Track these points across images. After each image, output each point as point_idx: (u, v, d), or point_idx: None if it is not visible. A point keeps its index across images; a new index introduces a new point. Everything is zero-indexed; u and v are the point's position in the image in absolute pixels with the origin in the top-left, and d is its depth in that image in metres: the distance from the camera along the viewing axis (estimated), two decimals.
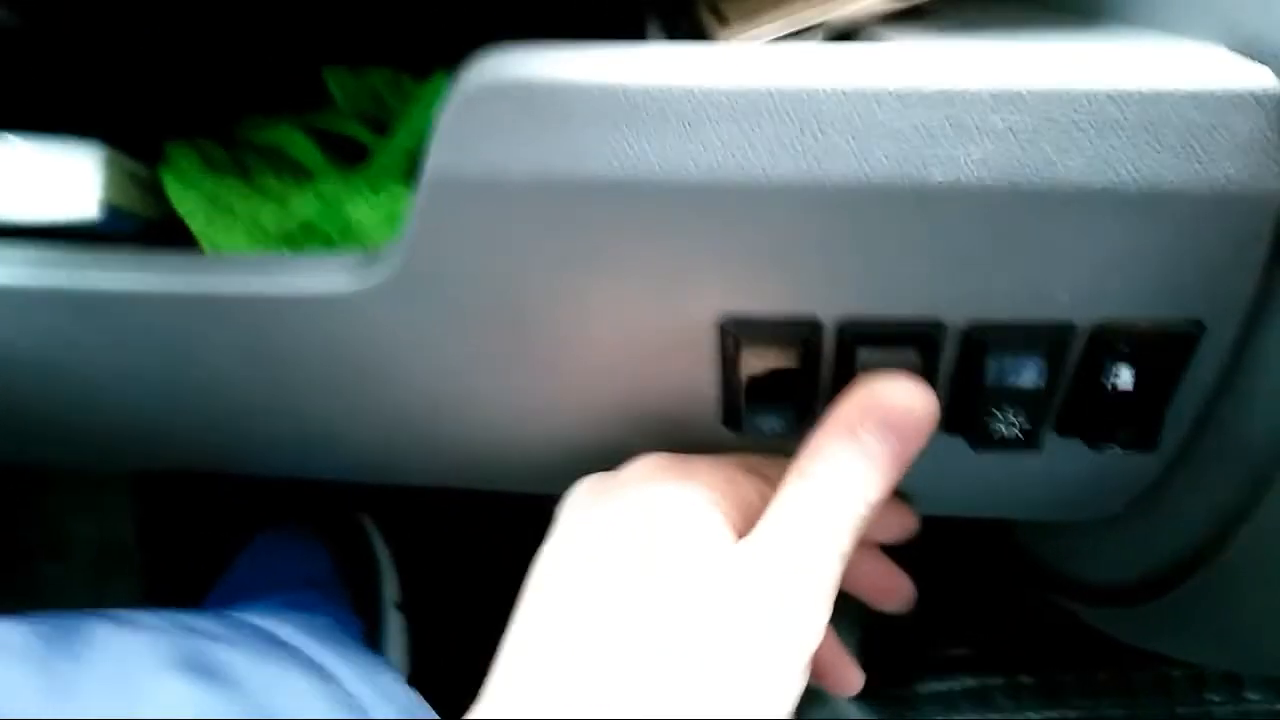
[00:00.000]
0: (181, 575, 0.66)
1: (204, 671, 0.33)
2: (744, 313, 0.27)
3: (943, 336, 0.26)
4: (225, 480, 0.66)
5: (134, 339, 0.31)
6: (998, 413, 0.27)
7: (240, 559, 0.62)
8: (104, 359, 0.32)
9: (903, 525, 0.32)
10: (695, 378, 0.29)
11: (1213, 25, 0.25)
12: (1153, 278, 0.25)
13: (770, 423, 0.29)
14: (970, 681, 0.64)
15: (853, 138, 0.23)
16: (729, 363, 0.28)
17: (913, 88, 0.23)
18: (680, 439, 0.30)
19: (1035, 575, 0.42)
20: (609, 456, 0.29)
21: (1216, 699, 0.62)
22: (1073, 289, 0.25)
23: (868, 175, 0.24)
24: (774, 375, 0.28)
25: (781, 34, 0.31)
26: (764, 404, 0.28)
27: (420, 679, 0.61)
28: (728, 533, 0.24)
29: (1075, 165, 0.23)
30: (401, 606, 0.64)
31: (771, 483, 0.26)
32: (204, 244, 0.36)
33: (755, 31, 0.31)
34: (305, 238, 0.37)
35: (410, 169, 0.40)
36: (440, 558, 0.70)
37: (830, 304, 0.26)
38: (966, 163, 0.23)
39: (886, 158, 0.23)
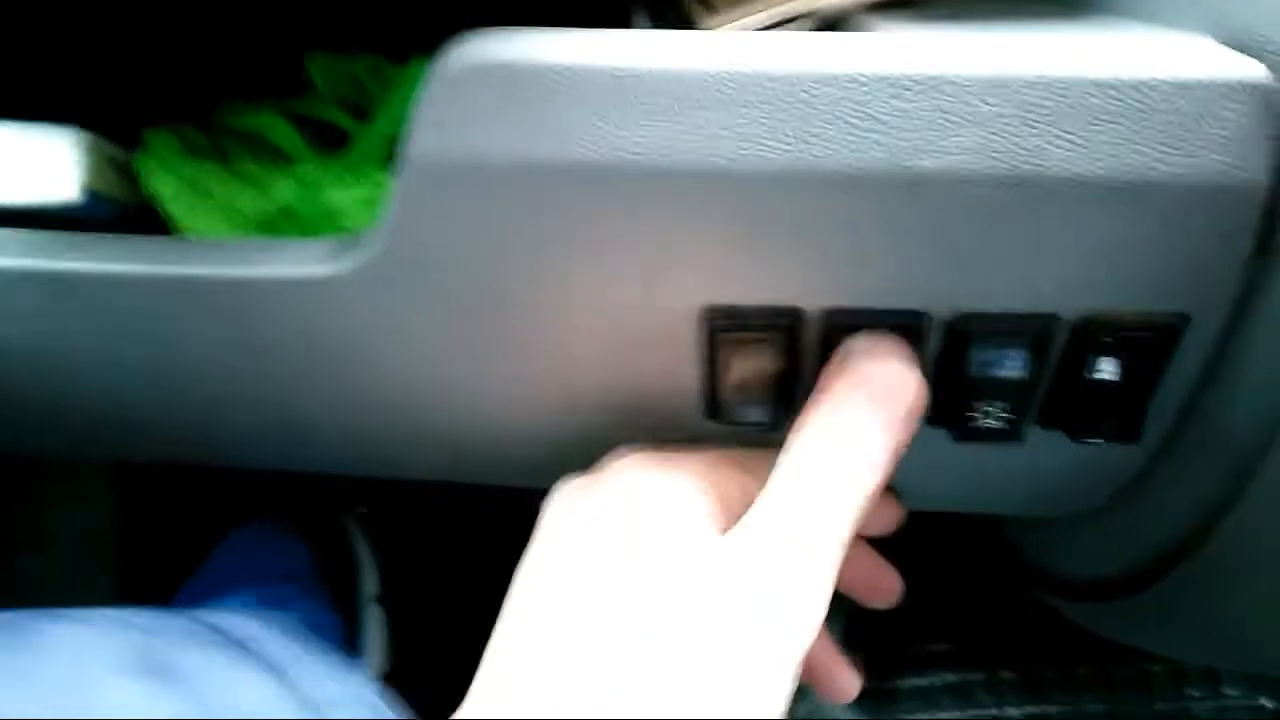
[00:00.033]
0: (163, 568, 0.65)
1: (156, 672, 0.33)
2: (727, 302, 0.27)
3: (927, 327, 0.26)
4: (207, 474, 0.66)
5: (113, 324, 0.31)
6: (981, 404, 0.27)
7: (217, 552, 0.62)
8: (84, 345, 0.31)
9: (890, 516, 0.32)
10: (677, 368, 0.28)
11: (1201, 17, 0.25)
12: (1138, 269, 0.25)
13: (753, 414, 0.29)
14: (951, 677, 0.64)
15: (840, 125, 0.23)
16: (711, 353, 0.28)
17: (901, 75, 0.23)
18: (662, 430, 0.30)
19: (1017, 570, 0.42)
20: (590, 448, 0.29)
21: (1196, 694, 0.63)
22: (1058, 279, 0.25)
23: (855, 163, 0.23)
24: (757, 366, 0.28)
25: (770, 23, 0.30)
26: (746, 395, 0.28)
27: (401, 673, 0.61)
28: (711, 523, 0.24)
29: (1062, 154, 0.23)
30: (381, 600, 0.63)
31: (754, 476, 0.26)
32: (183, 228, 0.36)
33: (743, 20, 0.31)
34: (284, 223, 0.37)
35: (391, 154, 0.39)
36: (422, 552, 0.69)
37: (814, 294, 0.26)
38: (954, 151, 0.23)
39: (874, 146, 0.23)
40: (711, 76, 0.23)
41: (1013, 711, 0.63)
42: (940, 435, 0.28)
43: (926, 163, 0.23)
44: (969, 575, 0.63)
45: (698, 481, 0.25)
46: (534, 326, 0.28)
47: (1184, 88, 0.22)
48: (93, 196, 0.34)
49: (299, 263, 0.28)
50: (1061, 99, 0.22)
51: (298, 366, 0.31)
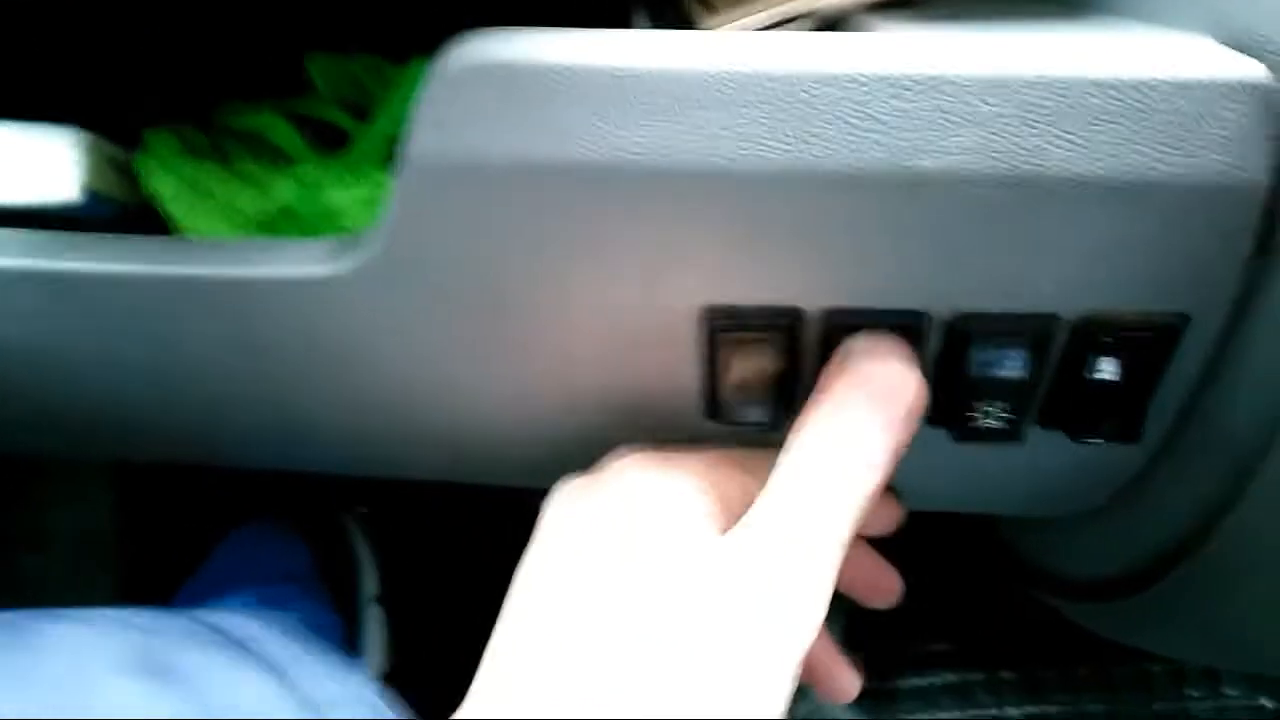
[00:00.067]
0: (163, 568, 0.65)
1: (156, 672, 0.33)
2: (727, 302, 0.27)
3: (927, 327, 0.26)
4: (208, 474, 0.66)
5: (113, 324, 0.30)
6: (981, 404, 0.27)
7: (217, 552, 0.62)
8: (84, 345, 0.31)
9: (890, 516, 0.32)
10: (677, 368, 0.28)
11: (1201, 17, 0.25)
12: (1138, 269, 0.25)
13: (753, 414, 0.29)
14: (951, 677, 0.64)
15: (840, 125, 0.23)
16: (711, 353, 0.28)
17: (901, 75, 0.23)
18: (662, 430, 0.30)
19: (1017, 570, 0.42)
20: (590, 448, 0.29)
21: (1195, 694, 0.63)
22: (1058, 279, 0.25)
23: (855, 163, 0.23)
24: (757, 366, 0.28)
25: (770, 23, 0.30)
26: (746, 395, 0.28)
27: (401, 673, 0.61)
28: (711, 523, 0.24)
29: (1062, 154, 0.23)
30: (381, 600, 0.63)
31: (754, 476, 0.26)
32: (183, 228, 0.36)
33: (743, 20, 0.31)
34: (284, 223, 0.37)
35: (391, 154, 0.39)
36: (422, 552, 0.69)
37: (814, 294, 0.26)
38: (954, 151, 0.23)
39: (874, 145, 0.23)
40: (711, 76, 0.23)
41: (1013, 711, 0.63)
42: (940, 435, 0.28)
43: (926, 163, 0.23)
44: (969, 575, 0.63)
45: (698, 481, 0.25)
46: (534, 326, 0.28)
47: (1184, 88, 0.22)
48: (93, 196, 0.34)
49: (299, 263, 0.28)
50: (1061, 99, 0.22)
51: (298, 366, 0.31)
